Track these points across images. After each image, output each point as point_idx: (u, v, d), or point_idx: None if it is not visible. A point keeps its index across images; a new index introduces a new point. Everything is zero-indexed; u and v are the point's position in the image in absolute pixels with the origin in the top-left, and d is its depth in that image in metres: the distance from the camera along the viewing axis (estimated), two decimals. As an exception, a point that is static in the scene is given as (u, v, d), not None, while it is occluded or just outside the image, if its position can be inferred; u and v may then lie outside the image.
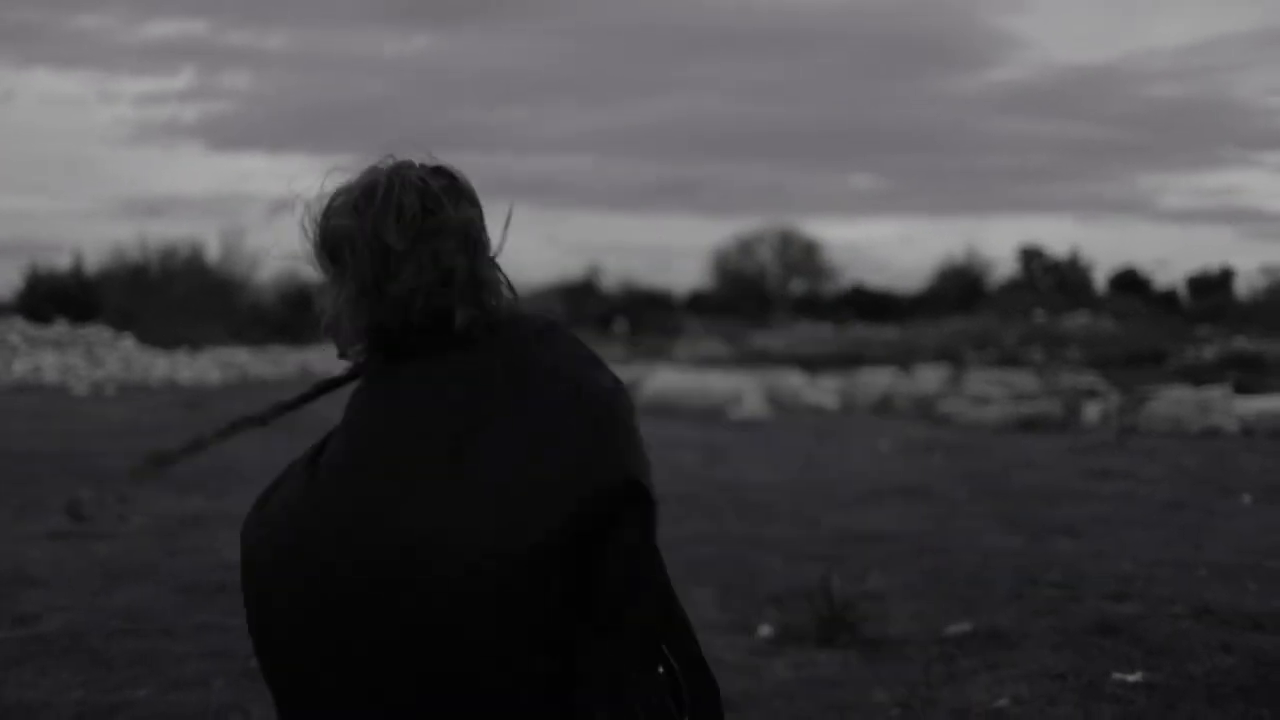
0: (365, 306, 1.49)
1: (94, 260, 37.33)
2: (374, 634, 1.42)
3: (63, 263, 35.54)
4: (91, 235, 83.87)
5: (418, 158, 1.54)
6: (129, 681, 4.26)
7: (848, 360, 26.41)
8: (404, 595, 1.40)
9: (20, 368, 22.80)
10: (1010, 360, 25.98)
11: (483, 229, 1.55)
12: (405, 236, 1.46)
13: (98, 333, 26.65)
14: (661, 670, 1.48)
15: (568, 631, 1.43)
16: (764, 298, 49.46)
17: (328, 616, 1.44)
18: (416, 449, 1.46)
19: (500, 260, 1.57)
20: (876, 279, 59.72)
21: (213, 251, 37.77)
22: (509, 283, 1.59)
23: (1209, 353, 24.16)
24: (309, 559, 1.45)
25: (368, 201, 1.48)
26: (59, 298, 31.57)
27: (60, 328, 26.15)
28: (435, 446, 1.46)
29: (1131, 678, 4.10)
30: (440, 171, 1.54)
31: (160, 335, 28.44)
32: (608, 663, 1.43)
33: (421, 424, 1.48)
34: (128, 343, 26.76)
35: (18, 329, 25.21)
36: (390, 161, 1.52)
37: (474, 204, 1.55)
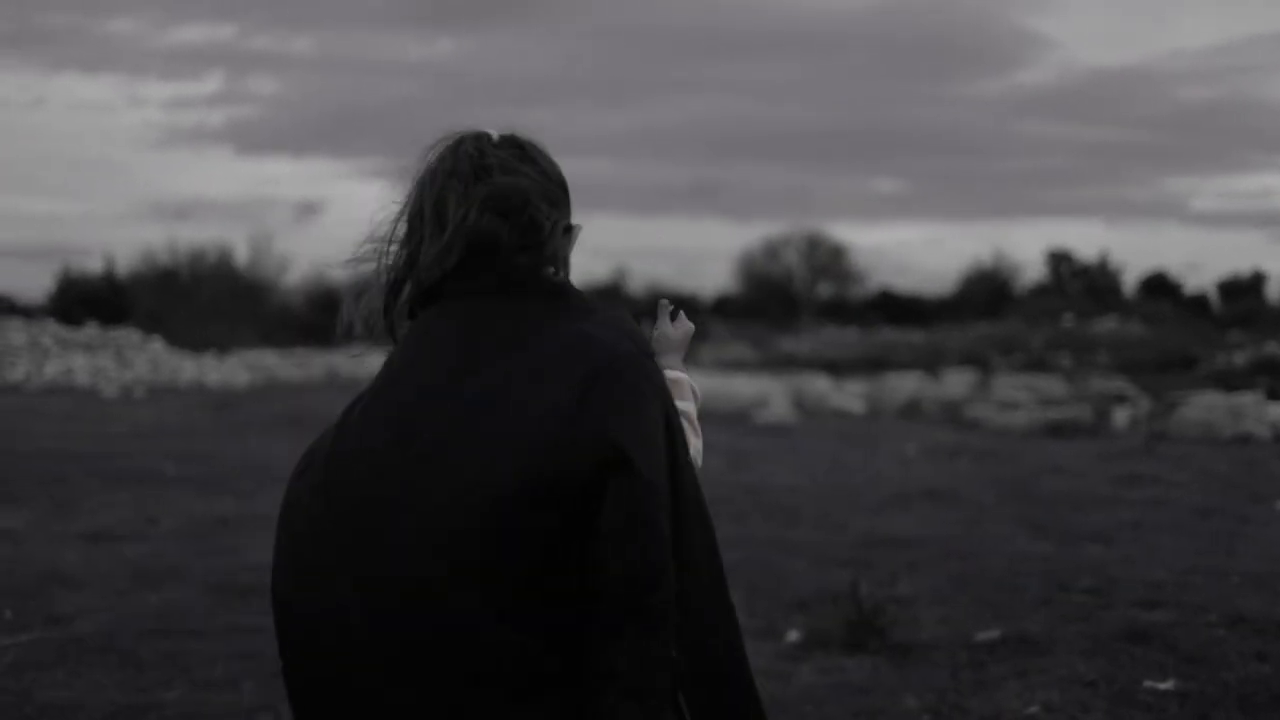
0: (415, 272, 1.53)
1: (124, 264, 37.67)
2: (358, 587, 1.39)
3: (94, 266, 35.94)
4: (121, 239, 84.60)
5: (495, 131, 1.58)
6: (160, 682, 4.29)
7: (874, 364, 26.29)
8: (379, 556, 1.38)
9: (52, 370, 23.01)
10: (1038, 365, 25.78)
11: (540, 196, 1.53)
12: (459, 200, 1.50)
13: (127, 335, 26.85)
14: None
15: (545, 602, 1.33)
16: (790, 301, 49.29)
17: (323, 564, 1.42)
18: (417, 398, 1.44)
19: None
20: (903, 283, 59.23)
21: (241, 255, 38.10)
22: (565, 259, 1.57)
23: (1240, 358, 23.90)
24: (315, 517, 1.45)
25: (430, 174, 1.54)
26: (90, 301, 31.94)
27: (91, 330, 26.37)
28: (433, 394, 1.43)
29: (1163, 685, 4.07)
30: (507, 141, 1.56)
31: (189, 338, 28.64)
32: (598, 651, 1.31)
33: (426, 370, 1.47)
34: (156, 345, 26.94)
35: (49, 331, 25.45)
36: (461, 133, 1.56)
37: (542, 173, 1.55)
